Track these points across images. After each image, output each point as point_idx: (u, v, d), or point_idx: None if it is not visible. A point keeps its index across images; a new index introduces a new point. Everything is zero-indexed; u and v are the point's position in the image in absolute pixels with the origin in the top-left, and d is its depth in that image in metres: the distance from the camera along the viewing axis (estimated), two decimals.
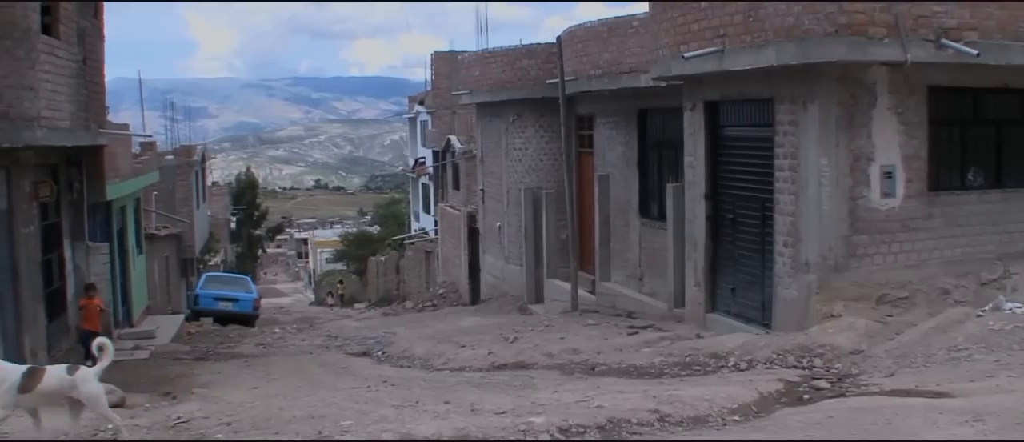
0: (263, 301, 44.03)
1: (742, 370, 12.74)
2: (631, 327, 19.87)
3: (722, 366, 13.24)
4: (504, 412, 9.40)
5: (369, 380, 15.70)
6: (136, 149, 37.29)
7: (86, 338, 19.96)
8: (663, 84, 19.69)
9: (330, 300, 71.85)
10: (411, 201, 73.07)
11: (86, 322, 20.81)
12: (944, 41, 14.39)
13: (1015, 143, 16.45)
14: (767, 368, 12.54)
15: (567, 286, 25.73)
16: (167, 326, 28.07)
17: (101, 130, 22.10)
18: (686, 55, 16.52)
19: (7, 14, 16.63)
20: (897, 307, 14.75)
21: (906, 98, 15.19)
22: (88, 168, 22.37)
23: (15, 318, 17.81)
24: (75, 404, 9.81)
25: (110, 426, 9.83)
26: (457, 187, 46.57)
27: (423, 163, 63.04)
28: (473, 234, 37.94)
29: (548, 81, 28.20)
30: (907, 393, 9.81)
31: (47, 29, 18.29)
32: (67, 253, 21.48)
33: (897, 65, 14.54)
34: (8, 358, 17.03)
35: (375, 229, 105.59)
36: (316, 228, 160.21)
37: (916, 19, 14.37)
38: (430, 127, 59.72)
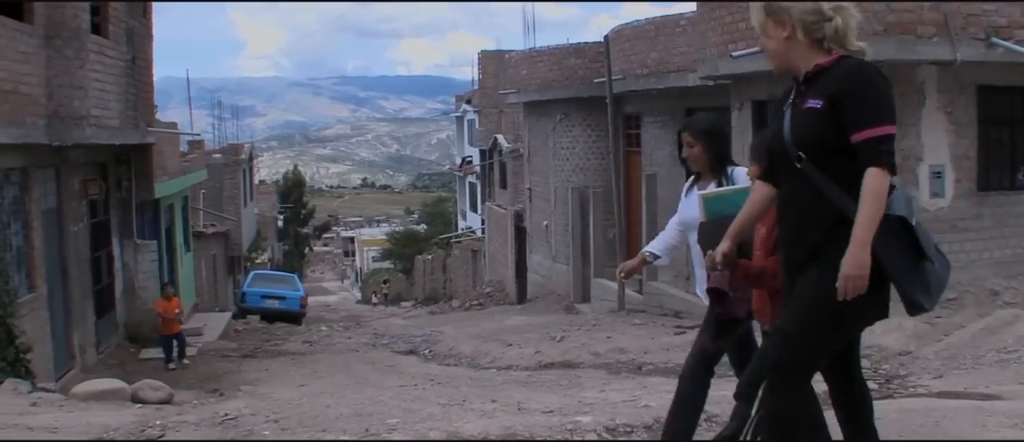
0: (310, 299, 44.15)
1: None
2: (678, 327, 19.82)
3: None
4: (551, 411, 9.42)
5: (416, 378, 15.75)
6: (184, 147, 37.51)
7: (167, 342, 20.10)
8: (710, 83, 19.67)
9: (375, 299, 71.92)
10: (458, 200, 73.14)
11: (166, 327, 20.63)
12: (994, 40, 14.29)
13: None
14: None
15: (614, 285, 25.69)
16: (214, 323, 28.23)
17: (149, 128, 22.28)
18: (734, 54, 16.49)
19: (57, 14, 16.83)
20: (946, 308, 14.64)
21: (955, 97, 15.10)
22: (137, 166, 22.56)
23: (64, 315, 17.99)
24: None
25: (158, 422, 9.91)
26: (504, 186, 46.57)
27: (470, 162, 63.03)
28: (520, 233, 37.93)
29: (595, 80, 28.20)
30: (956, 395, 9.76)
31: (96, 29, 18.46)
32: (116, 250, 21.69)
33: (946, 64, 14.46)
34: (57, 354, 17.27)
35: (422, 228, 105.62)
36: (363, 226, 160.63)
37: (965, 17, 14.28)
38: (477, 126, 59.76)
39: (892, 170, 4.70)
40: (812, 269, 4.85)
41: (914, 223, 4.85)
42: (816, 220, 4.85)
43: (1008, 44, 14.33)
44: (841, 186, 4.78)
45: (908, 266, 4.82)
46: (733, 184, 6.78)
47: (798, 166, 4.90)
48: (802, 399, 5.06)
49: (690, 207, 6.95)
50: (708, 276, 6.30)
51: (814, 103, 4.82)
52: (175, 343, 20.13)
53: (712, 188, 6.79)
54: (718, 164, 6.98)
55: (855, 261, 4.59)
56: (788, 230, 5.11)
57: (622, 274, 6.90)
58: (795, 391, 5.00)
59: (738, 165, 7.05)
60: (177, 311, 20.92)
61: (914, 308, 4.89)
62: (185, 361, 19.90)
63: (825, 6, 4.87)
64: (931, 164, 15.08)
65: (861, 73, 4.76)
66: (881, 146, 4.69)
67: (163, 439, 9.10)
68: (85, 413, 10.77)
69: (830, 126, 4.77)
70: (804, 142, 4.87)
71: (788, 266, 5.10)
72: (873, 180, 4.64)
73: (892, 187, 4.79)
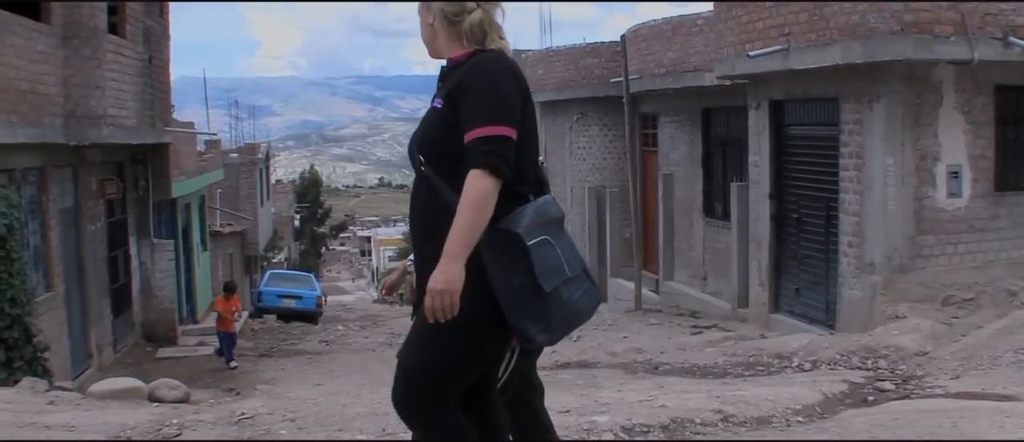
0: (326, 298, 44.15)
1: (806, 371, 12.67)
2: (695, 327, 19.82)
3: (786, 367, 13.17)
4: (568, 411, 9.40)
5: None
6: (201, 147, 37.57)
7: (225, 341, 20.13)
8: (727, 83, 19.64)
9: (388, 298, 71.92)
10: None
11: (222, 324, 20.78)
12: (1012, 39, 14.23)
13: None
14: (831, 369, 12.46)
15: (630, 285, 25.70)
16: None
17: (166, 128, 22.39)
18: (751, 54, 16.46)
19: (74, 14, 16.90)
20: (963, 309, 14.59)
21: (973, 97, 15.04)
22: (154, 166, 22.65)
23: (81, 314, 18.06)
24: None
25: (174, 421, 9.93)
26: None
27: None
28: None
29: (612, 80, 28.17)
30: (973, 396, 9.72)
31: (113, 28, 18.54)
32: (133, 250, 21.78)
33: (964, 63, 14.40)
34: (74, 352, 17.32)
35: None
36: (379, 226, 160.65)
37: (983, 17, 14.22)
38: None
39: (499, 174, 4.13)
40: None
41: (534, 242, 4.27)
42: (437, 232, 4.22)
43: None
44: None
45: (518, 290, 4.23)
46: None
47: (422, 170, 4.47)
48: (447, 431, 4.53)
49: None
50: None
51: (437, 103, 4.42)
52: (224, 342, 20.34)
53: None
54: None
55: (441, 276, 4.08)
56: (413, 240, 4.68)
57: (384, 291, 6.37)
58: (434, 426, 4.54)
59: None
60: (235, 311, 21.08)
61: (526, 340, 4.35)
62: (232, 364, 19.90)
63: None
64: (948, 164, 15.03)
65: (481, 70, 4.32)
66: (485, 146, 4.13)
67: (180, 438, 9.12)
68: (102, 412, 10.80)
69: (446, 129, 4.33)
70: (424, 145, 4.48)
71: (419, 283, 4.51)
72: (471, 184, 4.11)
73: (529, 197, 4.41)
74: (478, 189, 4.09)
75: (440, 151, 4.35)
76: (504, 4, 4.58)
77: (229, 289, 21.93)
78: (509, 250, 4.20)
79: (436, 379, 4.43)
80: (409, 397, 4.53)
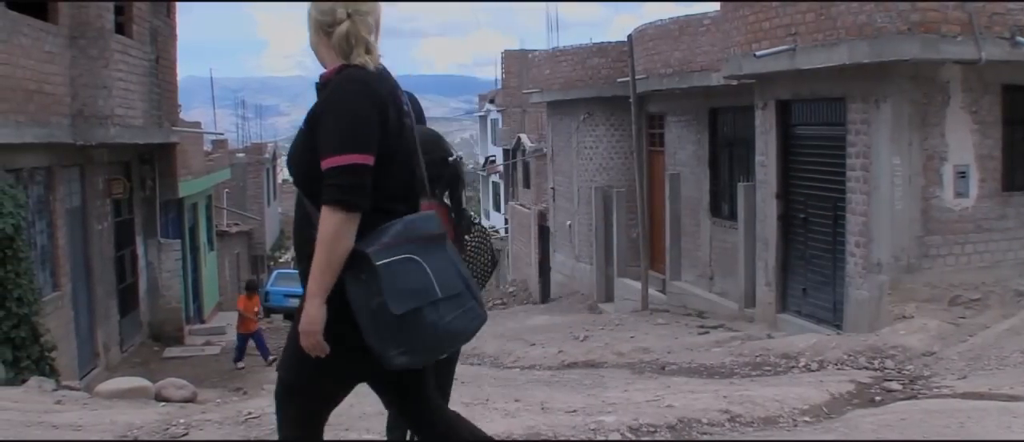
0: None
1: (813, 371, 12.65)
2: (701, 326, 19.80)
3: (793, 367, 13.16)
4: (574, 411, 9.40)
5: None
6: (208, 147, 37.66)
7: (242, 341, 20.11)
8: (734, 82, 19.64)
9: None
10: (481, 199, 73.11)
11: (243, 324, 20.73)
12: (1019, 39, 14.20)
13: None
14: (838, 369, 12.45)
15: (637, 285, 25.68)
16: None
17: (173, 128, 22.42)
18: (758, 53, 16.45)
19: (81, 14, 16.93)
20: (970, 309, 14.56)
21: (980, 97, 15.02)
22: (160, 165, 22.68)
23: (88, 313, 18.09)
24: None
25: (181, 421, 9.94)
26: (527, 185, 46.57)
27: (493, 161, 63.04)
28: (543, 232, 37.92)
29: (619, 80, 28.17)
30: (980, 396, 9.71)
31: (120, 28, 18.58)
32: (139, 249, 21.83)
33: (971, 63, 14.38)
34: (81, 352, 17.35)
35: None
36: None
37: (990, 17, 14.20)
38: (500, 125, 59.83)
39: (350, 208, 4.02)
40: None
41: (390, 261, 4.10)
42: (310, 254, 4.14)
43: None
44: None
45: (376, 311, 4.08)
46: None
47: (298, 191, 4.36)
48: None
49: None
50: None
51: (303, 124, 4.24)
52: (252, 342, 20.35)
53: None
54: None
55: (304, 317, 4.07)
56: (296, 262, 4.57)
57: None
58: (289, 437, 4.47)
59: None
60: (256, 310, 21.13)
61: (385, 361, 4.16)
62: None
63: (340, 8, 4.29)
64: (955, 164, 15.00)
65: (337, 92, 4.16)
66: (336, 179, 4.02)
67: (186, 438, 9.13)
68: (109, 411, 10.81)
69: (309, 152, 4.18)
70: (291, 167, 4.36)
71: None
72: (323, 222, 4.03)
73: (398, 213, 4.25)
74: (329, 227, 4.01)
75: (306, 173, 4.24)
76: (381, 6, 4.44)
77: (251, 288, 21.95)
78: (363, 269, 4.08)
79: (299, 393, 4.41)
80: (279, 405, 4.54)
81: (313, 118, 4.17)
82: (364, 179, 4.06)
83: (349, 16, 4.26)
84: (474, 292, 4.40)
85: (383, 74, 4.34)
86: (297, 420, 4.45)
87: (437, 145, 5.42)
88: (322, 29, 4.31)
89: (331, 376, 4.35)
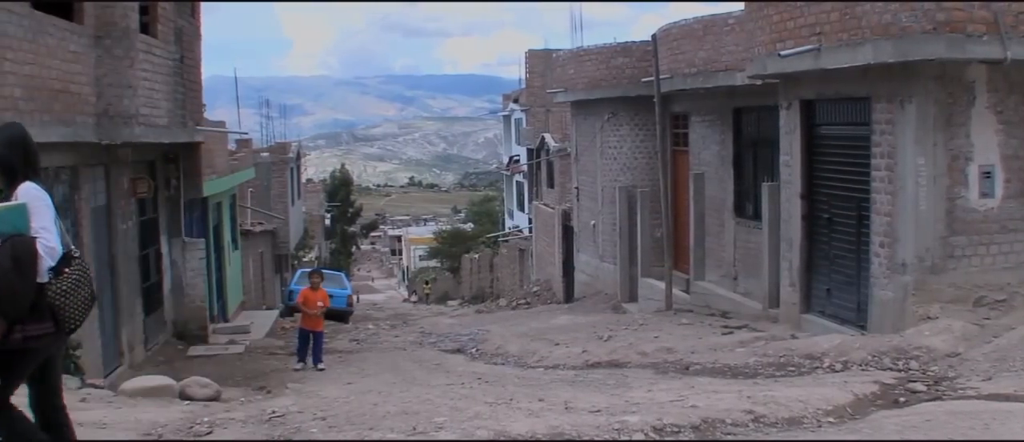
0: (357, 297, 44.18)
1: (837, 371, 12.63)
2: (725, 327, 19.78)
3: (817, 367, 13.13)
4: (598, 411, 9.41)
5: (463, 377, 15.77)
6: (232, 146, 37.77)
7: (304, 338, 19.30)
8: (759, 82, 19.59)
9: (413, 297, 72.04)
10: (505, 199, 73.23)
11: (306, 321, 19.47)
12: None
13: None
14: (862, 370, 12.42)
15: (661, 285, 25.67)
16: (261, 321, 28.41)
17: (198, 127, 22.45)
18: (782, 53, 16.42)
19: (106, 14, 16.97)
20: (995, 310, 14.50)
21: (1006, 97, 14.94)
22: (185, 165, 22.72)
23: (113, 311, 18.14)
24: None
25: (205, 419, 9.97)
26: (551, 185, 46.55)
27: (517, 161, 63.10)
28: (567, 232, 37.96)
29: (643, 79, 28.18)
30: (1005, 398, 9.68)
31: (145, 28, 18.61)
32: (164, 248, 21.88)
33: (996, 63, 14.31)
34: (106, 350, 17.41)
35: (469, 226, 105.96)
36: (410, 225, 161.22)
37: (1016, 16, 14.12)
38: (524, 125, 59.81)
39: None
40: None
41: None
42: None
43: None
44: None
45: None
46: (15, 200, 6.34)
47: None
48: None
49: None
50: None
51: None
52: (312, 341, 19.20)
53: None
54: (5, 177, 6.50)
55: None
56: None
57: None
58: None
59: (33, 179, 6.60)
60: (321, 305, 19.52)
61: None
62: (321, 365, 18.98)
63: None
64: (981, 164, 14.93)
65: None
66: None
67: (210, 436, 9.16)
68: (133, 409, 10.87)
69: None
70: None
71: None
72: None
73: None
74: None
75: None
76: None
77: (315, 279, 20.16)
78: None
79: None
80: None
81: None
82: None
83: None
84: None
85: None
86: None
87: None
88: None
89: None
